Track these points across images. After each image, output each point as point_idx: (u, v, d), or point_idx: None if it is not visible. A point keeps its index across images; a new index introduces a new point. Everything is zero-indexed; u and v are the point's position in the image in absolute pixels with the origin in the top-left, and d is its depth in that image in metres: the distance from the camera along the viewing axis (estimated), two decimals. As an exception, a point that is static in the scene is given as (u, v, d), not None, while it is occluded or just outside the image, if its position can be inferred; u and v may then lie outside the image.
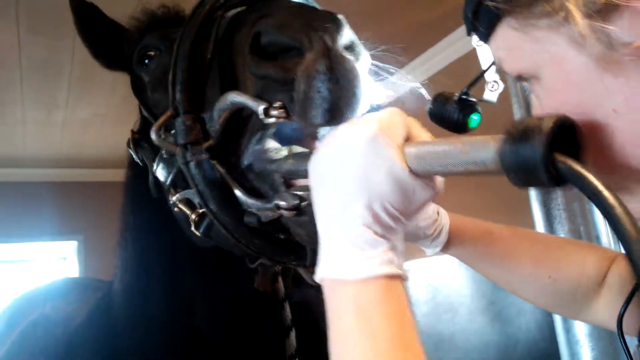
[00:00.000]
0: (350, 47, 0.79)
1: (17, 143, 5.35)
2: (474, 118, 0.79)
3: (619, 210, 0.45)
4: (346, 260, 0.59)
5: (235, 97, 0.79)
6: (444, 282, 4.43)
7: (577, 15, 0.52)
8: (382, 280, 0.58)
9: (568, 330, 2.07)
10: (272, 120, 0.76)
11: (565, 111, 0.59)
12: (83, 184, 6.17)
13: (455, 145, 0.58)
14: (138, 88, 1.10)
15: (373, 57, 0.86)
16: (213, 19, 0.88)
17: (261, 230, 0.86)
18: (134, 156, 1.10)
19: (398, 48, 0.89)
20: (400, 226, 0.62)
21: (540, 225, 2.17)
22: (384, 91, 0.90)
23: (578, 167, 0.48)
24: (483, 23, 0.69)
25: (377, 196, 0.59)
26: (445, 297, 4.37)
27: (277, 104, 0.75)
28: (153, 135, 0.87)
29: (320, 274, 0.62)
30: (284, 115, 0.76)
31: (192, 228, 0.92)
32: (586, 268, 0.95)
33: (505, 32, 0.65)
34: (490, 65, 0.84)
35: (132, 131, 1.11)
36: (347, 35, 0.77)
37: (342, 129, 0.63)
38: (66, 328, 1.32)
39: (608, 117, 0.54)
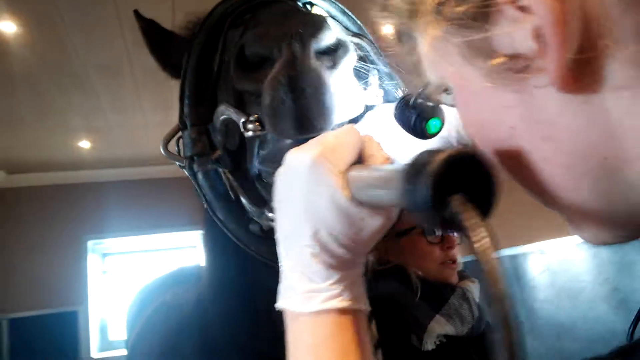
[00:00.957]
0: (328, 52, 0.75)
1: (142, 144, 5.83)
2: (433, 123, 0.72)
3: (492, 268, 0.39)
4: (297, 292, 0.57)
5: (225, 110, 0.80)
6: (563, 267, 4.14)
7: (446, 28, 0.46)
8: (334, 313, 0.55)
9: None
10: (250, 133, 0.75)
11: (473, 130, 0.53)
12: (208, 178, 6.55)
13: (380, 175, 0.53)
14: None
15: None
16: (221, 30, 0.88)
17: (266, 238, 0.84)
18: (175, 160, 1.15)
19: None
20: (357, 255, 0.58)
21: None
22: (369, 94, 0.85)
23: (466, 214, 0.42)
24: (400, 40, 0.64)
25: (322, 225, 0.56)
26: (565, 283, 4.08)
27: (252, 117, 0.74)
28: (161, 150, 0.89)
29: (278, 304, 0.61)
30: (259, 128, 0.74)
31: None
32: None
33: (416, 44, 0.59)
34: None
35: None
36: (324, 39, 0.73)
37: (290, 153, 0.60)
38: (179, 315, 1.39)
39: (508, 136, 0.47)
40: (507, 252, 4.73)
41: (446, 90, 0.60)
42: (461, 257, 1.53)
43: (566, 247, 4.03)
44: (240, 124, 0.75)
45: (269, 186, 0.82)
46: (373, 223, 0.56)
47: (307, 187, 0.56)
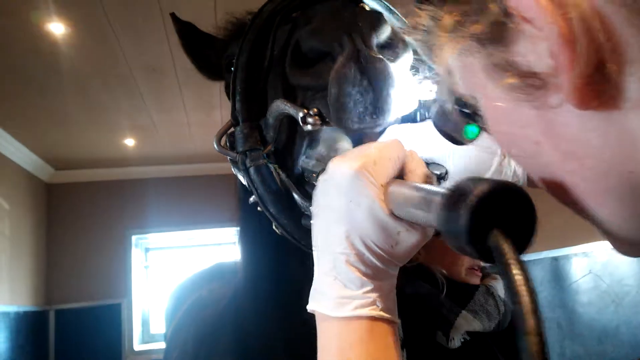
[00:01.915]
0: (387, 45, 0.77)
1: (184, 143, 5.96)
2: (470, 130, 0.74)
3: (527, 307, 0.39)
4: (330, 296, 0.58)
5: (280, 105, 0.80)
6: (606, 270, 4.05)
7: (457, 46, 0.48)
8: (365, 321, 0.57)
9: None
10: (309, 127, 0.76)
11: (503, 143, 0.53)
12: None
13: (420, 195, 0.54)
14: (229, 92, 1.16)
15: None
16: (271, 27, 0.89)
17: None
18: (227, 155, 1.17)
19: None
20: (390, 267, 0.60)
21: None
22: (426, 88, 0.86)
23: (504, 251, 0.41)
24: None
25: (360, 235, 0.57)
26: (609, 287, 3.99)
27: (313, 112, 0.75)
28: (214, 145, 0.91)
29: (309, 306, 0.62)
30: (319, 122, 0.75)
31: (273, 226, 0.95)
32: None
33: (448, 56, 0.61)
34: None
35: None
36: (383, 33, 0.75)
37: (333, 162, 0.62)
38: (214, 310, 1.43)
39: (535, 150, 0.48)
40: (549, 254, 4.64)
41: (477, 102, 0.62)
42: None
43: (610, 250, 3.94)
44: (299, 118, 0.76)
45: (311, 185, 0.84)
46: (409, 238, 0.58)
47: (348, 196, 0.58)
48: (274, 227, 0.95)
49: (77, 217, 6.61)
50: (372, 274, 0.58)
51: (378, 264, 0.58)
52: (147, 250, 7.13)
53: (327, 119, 0.75)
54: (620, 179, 0.42)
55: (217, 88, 4.47)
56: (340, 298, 0.57)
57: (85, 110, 4.87)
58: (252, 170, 0.86)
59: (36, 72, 4.07)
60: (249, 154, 0.85)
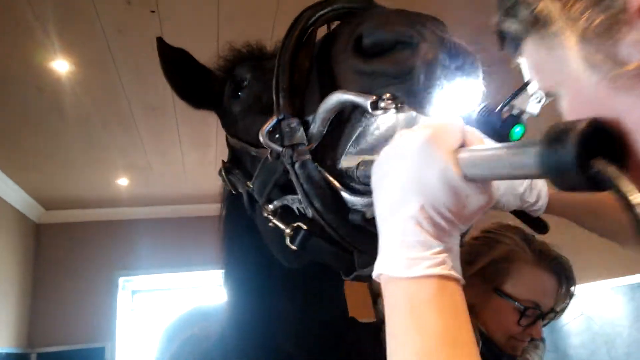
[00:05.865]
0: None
1: (180, 182, 5.98)
2: (517, 130, 0.81)
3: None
4: (400, 258, 0.61)
5: (342, 96, 0.81)
6: (598, 311, 4.08)
7: (574, 38, 0.53)
8: (435, 279, 0.59)
9: None
10: (379, 112, 0.78)
11: None
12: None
13: (502, 150, 0.59)
14: (227, 121, 1.20)
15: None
16: (310, 32, 0.93)
17: (364, 229, 0.87)
18: (225, 182, 1.20)
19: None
20: (455, 230, 0.63)
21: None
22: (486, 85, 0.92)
23: (613, 171, 0.48)
24: (509, 45, 0.71)
25: (430, 198, 0.61)
26: (601, 328, 4.01)
27: (386, 96, 0.76)
28: (261, 138, 0.91)
29: (377, 271, 0.65)
30: (392, 106, 0.77)
31: (288, 242, 0.95)
32: None
33: (529, 51, 0.67)
34: (531, 79, 0.85)
35: (223, 161, 1.21)
36: (447, 29, 0.79)
37: (400, 134, 0.67)
38: (205, 345, 1.47)
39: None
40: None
41: (550, 96, 0.68)
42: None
43: (602, 291, 3.98)
44: (369, 105, 0.77)
45: (354, 180, 0.86)
46: (477, 200, 0.62)
47: (419, 163, 0.62)
48: (288, 243, 0.95)
49: (65, 258, 6.53)
50: (440, 235, 0.61)
51: (446, 226, 0.61)
52: (133, 292, 7.03)
53: (399, 104, 0.77)
54: None
55: (215, 126, 4.54)
56: (411, 259, 0.60)
57: (82, 149, 4.91)
58: (297, 165, 0.87)
59: (35, 110, 4.12)
60: (296, 149, 0.87)
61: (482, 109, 0.85)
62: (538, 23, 0.60)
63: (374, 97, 0.77)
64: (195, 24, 3.33)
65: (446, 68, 0.74)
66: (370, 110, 0.77)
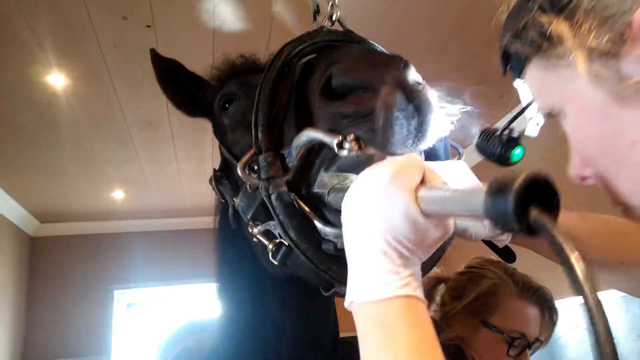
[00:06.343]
0: (418, 83, 0.85)
1: (175, 195, 5.98)
2: (516, 152, 0.83)
3: (577, 267, 0.48)
4: (370, 284, 0.67)
5: (312, 134, 0.87)
6: (593, 324, 4.07)
7: (582, 56, 0.55)
8: (403, 299, 0.65)
9: None
10: (345, 152, 0.82)
11: (586, 146, 0.62)
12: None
13: (456, 193, 0.64)
14: (219, 131, 1.23)
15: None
16: (289, 66, 0.99)
17: (337, 257, 0.92)
18: (215, 191, 1.22)
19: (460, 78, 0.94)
20: (417, 258, 0.69)
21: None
22: (448, 121, 0.95)
23: (546, 221, 0.52)
24: (513, 66, 0.74)
25: (394, 232, 0.67)
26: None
27: (350, 137, 0.82)
28: (239, 172, 0.95)
29: (348, 298, 0.70)
30: (356, 147, 0.82)
31: (270, 257, 1.00)
32: None
33: (533, 72, 0.70)
34: (531, 102, 0.87)
35: (214, 170, 1.23)
36: (413, 73, 0.84)
37: (367, 171, 0.72)
38: (199, 358, 1.49)
39: (627, 150, 0.56)
40: (535, 308, 4.66)
41: (552, 114, 0.71)
42: None
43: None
44: (334, 145, 0.82)
45: (328, 210, 0.91)
46: (435, 233, 0.68)
47: (384, 199, 0.68)
48: (270, 258, 0.99)
49: (60, 271, 6.51)
50: (405, 263, 0.67)
51: (409, 255, 0.67)
52: (128, 305, 7.00)
53: (363, 145, 0.82)
54: None
55: (210, 140, 4.56)
56: (381, 284, 0.65)
57: (78, 163, 4.91)
58: (273, 197, 0.91)
59: (31, 123, 4.13)
60: (272, 181, 0.92)
61: (482, 132, 0.88)
62: (547, 44, 0.63)
63: (340, 138, 0.82)
64: (191, 39, 3.35)
65: (404, 109, 0.79)
66: (336, 150, 0.82)
